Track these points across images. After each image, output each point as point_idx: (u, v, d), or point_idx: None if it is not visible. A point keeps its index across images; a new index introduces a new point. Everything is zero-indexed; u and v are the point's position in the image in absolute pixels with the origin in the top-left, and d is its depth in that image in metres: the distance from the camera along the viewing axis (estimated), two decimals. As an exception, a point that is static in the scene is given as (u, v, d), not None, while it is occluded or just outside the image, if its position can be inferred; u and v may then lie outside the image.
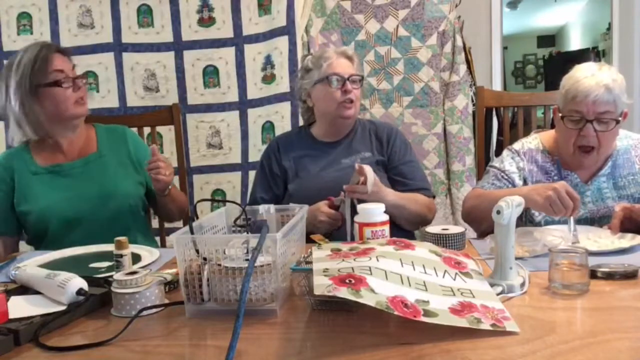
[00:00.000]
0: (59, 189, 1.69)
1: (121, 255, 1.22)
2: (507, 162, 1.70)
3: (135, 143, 1.85)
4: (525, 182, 1.66)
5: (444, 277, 1.05)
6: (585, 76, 1.52)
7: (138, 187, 1.80)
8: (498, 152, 2.67)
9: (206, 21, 2.64)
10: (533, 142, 1.72)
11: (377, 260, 1.02)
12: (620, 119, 1.53)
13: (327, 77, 1.75)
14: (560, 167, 1.65)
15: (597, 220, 1.62)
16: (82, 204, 1.69)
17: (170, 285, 1.18)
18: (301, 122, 2.42)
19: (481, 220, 1.63)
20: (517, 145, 1.74)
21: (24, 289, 1.18)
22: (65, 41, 2.62)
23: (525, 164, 1.68)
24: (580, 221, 1.59)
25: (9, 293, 1.14)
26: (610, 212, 1.54)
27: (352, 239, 1.38)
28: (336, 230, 1.58)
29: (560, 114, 1.59)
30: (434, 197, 1.84)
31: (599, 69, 1.54)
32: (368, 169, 1.49)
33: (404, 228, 1.68)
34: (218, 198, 2.68)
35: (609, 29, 4.38)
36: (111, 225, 1.67)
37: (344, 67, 1.77)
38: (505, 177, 1.67)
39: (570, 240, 1.35)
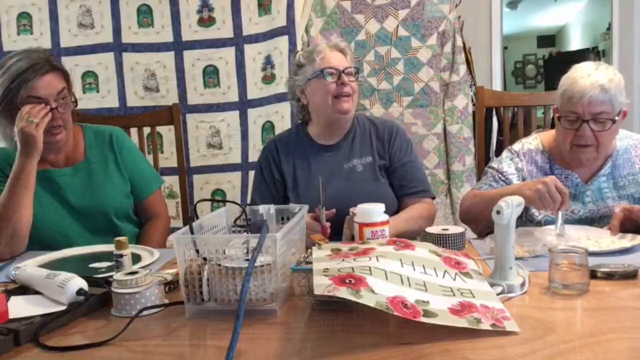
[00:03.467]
0: (45, 199, 1.65)
1: (121, 255, 1.22)
2: (506, 163, 1.70)
3: (120, 147, 1.77)
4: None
5: (443, 277, 1.05)
6: (582, 76, 1.52)
7: (125, 200, 1.75)
8: (498, 152, 2.68)
9: (206, 21, 2.64)
10: (533, 142, 1.73)
11: (377, 260, 1.02)
12: (617, 118, 1.53)
13: (322, 71, 1.69)
14: (553, 165, 1.66)
15: (597, 220, 1.62)
16: (68, 219, 1.66)
17: (170, 285, 1.18)
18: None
19: (478, 221, 1.63)
20: (516, 146, 1.74)
21: (24, 289, 1.18)
22: (65, 41, 2.62)
23: (524, 164, 1.69)
24: (580, 221, 1.60)
25: (9, 293, 1.14)
26: (610, 212, 1.54)
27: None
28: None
29: (557, 115, 1.60)
30: (433, 197, 1.81)
31: (595, 68, 1.54)
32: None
33: None
34: (218, 198, 2.68)
35: (609, 29, 4.37)
36: (100, 238, 1.63)
37: (338, 60, 1.72)
38: (503, 178, 1.68)
39: (557, 235, 1.38)
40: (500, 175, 1.68)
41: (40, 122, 1.53)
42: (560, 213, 1.41)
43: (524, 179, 1.67)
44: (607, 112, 1.51)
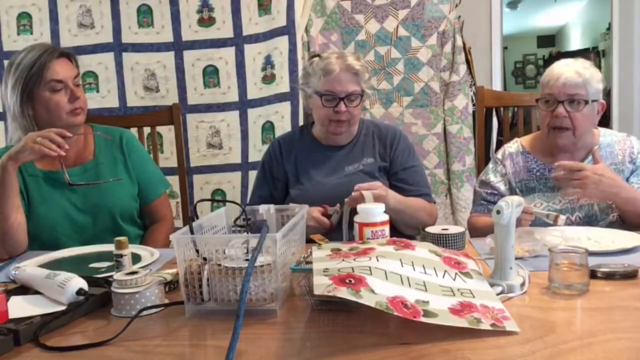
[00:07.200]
0: (53, 199, 1.65)
1: (121, 255, 1.22)
2: (492, 174, 1.81)
3: (130, 148, 1.77)
4: (510, 185, 1.76)
5: (443, 277, 1.05)
6: (560, 65, 1.67)
7: (131, 202, 1.76)
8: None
9: (206, 21, 2.64)
10: (513, 145, 1.84)
11: (377, 260, 1.02)
12: (590, 100, 1.62)
13: (321, 96, 1.70)
14: (536, 162, 1.75)
15: (577, 209, 1.67)
16: (72, 218, 1.66)
17: (170, 285, 1.18)
18: (301, 122, 2.42)
19: None
20: (499, 154, 1.84)
21: (24, 289, 1.18)
22: (65, 41, 2.62)
23: (508, 169, 1.79)
24: (562, 210, 1.66)
25: (9, 293, 1.14)
26: (590, 201, 1.64)
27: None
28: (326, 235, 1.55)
29: (537, 101, 1.72)
30: (434, 203, 1.83)
31: (574, 60, 1.68)
32: (367, 194, 1.47)
33: (404, 233, 1.65)
34: (218, 198, 2.68)
35: (609, 29, 4.37)
36: (103, 239, 1.63)
37: (343, 84, 1.69)
38: (493, 191, 1.77)
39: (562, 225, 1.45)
40: (488, 190, 1.78)
41: (51, 151, 1.48)
42: (548, 214, 1.48)
43: (509, 182, 1.77)
44: (580, 94, 1.62)
